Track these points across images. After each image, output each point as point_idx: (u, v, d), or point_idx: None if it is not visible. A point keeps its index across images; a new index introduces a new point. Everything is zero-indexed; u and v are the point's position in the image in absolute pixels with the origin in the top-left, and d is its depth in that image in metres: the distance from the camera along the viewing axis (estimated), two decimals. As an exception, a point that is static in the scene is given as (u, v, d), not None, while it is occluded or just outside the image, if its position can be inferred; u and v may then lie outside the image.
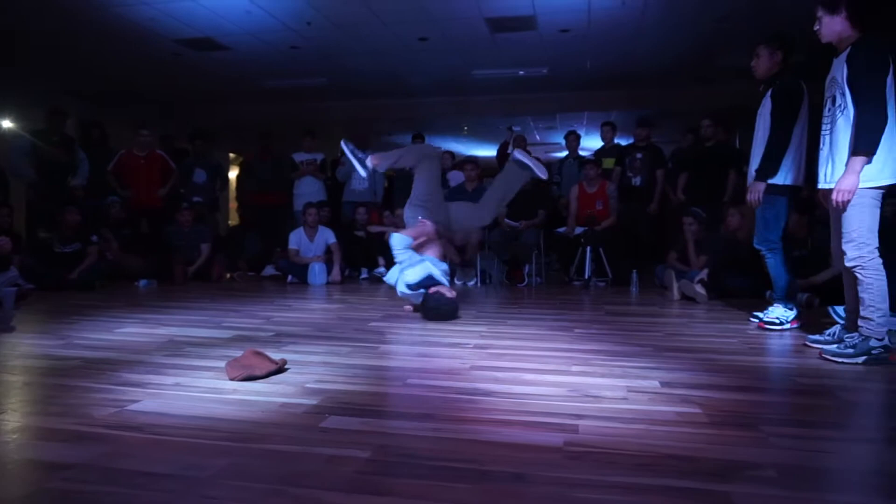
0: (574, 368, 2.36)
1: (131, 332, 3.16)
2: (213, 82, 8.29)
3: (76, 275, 5.26)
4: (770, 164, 3.28)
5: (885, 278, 2.62)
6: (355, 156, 4.09)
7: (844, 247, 2.65)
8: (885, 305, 2.61)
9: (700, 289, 4.57)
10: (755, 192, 3.34)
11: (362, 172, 4.15)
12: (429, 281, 3.70)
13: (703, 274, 4.74)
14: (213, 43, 6.67)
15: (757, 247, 3.44)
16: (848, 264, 2.65)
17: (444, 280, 3.83)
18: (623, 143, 7.24)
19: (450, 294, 3.70)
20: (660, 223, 6.61)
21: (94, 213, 6.12)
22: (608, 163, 6.73)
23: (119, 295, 4.87)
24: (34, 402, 1.94)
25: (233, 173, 10.48)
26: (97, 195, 6.34)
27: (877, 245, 2.61)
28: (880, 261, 2.61)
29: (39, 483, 1.29)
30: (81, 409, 1.79)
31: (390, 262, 6.22)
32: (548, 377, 2.21)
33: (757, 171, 3.34)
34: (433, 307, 3.58)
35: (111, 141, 7.21)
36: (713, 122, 5.95)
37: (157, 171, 6.65)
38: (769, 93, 3.35)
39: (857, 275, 2.63)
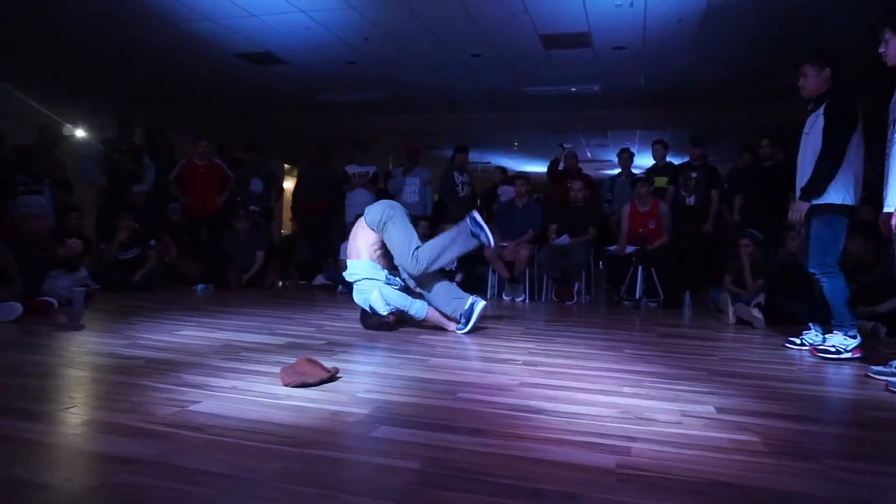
0: (626, 389, 2.32)
1: (190, 334, 3.27)
2: (271, 95, 8.56)
3: (138, 277, 5.48)
4: (818, 183, 3.18)
5: None
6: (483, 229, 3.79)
7: None
8: None
9: (757, 313, 4.43)
10: (797, 211, 3.25)
11: (491, 241, 3.86)
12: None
13: (760, 298, 4.60)
14: (272, 57, 6.90)
15: (812, 271, 3.28)
16: None
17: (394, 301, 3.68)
18: (675, 161, 7.12)
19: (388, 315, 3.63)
20: (714, 245, 6.46)
21: (157, 218, 6.37)
22: (660, 181, 6.62)
23: (177, 298, 5.05)
24: (101, 398, 2.03)
25: (287, 183, 10.75)
26: (160, 202, 6.61)
27: None
28: None
29: (106, 476, 1.35)
30: (145, 406, 1.86)
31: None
32: (599, 397, 2.18)
33: (803, 189, 3.23)
34: (368, 319, 3.65)
35: (175, 150, 7.51)
36: (772, 141, 5.80)
37: (215, 180, 6.89)
38: (821, 110, 3.25)
39: None
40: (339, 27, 5.99)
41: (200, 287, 5.79)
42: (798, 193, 3.33)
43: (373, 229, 3.73)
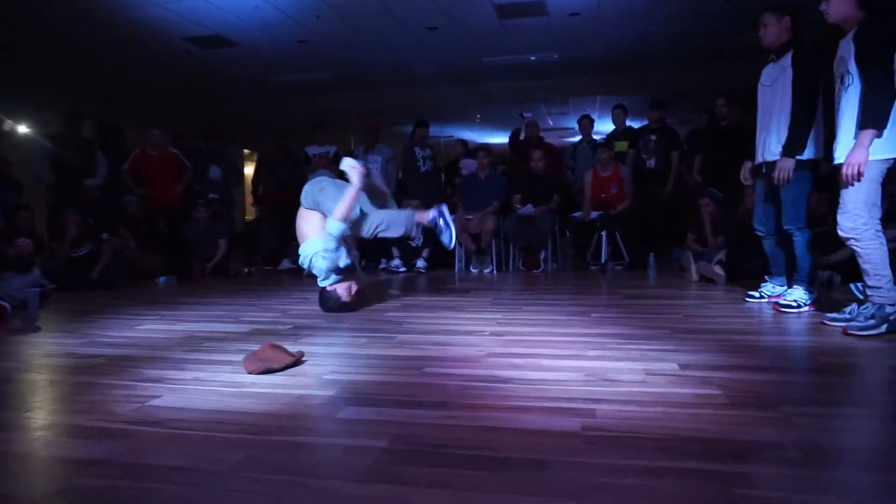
0: (591, 353, 2.35)
1: (151, 328, 3.20)
2: (224, 80, 8.33)
3: (95, 273, 5.33)
4: (799, 139, 3.13)
5: (884, 246, 2.64)
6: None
7: (839, 218, 2.69)
8: (888, 272, 2.63)
9: (718, 270, 4.52)
10: (784, 169, 3.15)
11: (452, 243, 3.86)
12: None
13: (721, 255, 4.69)
14: (221, 40, 6.70)
15: (787, 227, 3.27)
16: (842, 235, 2.68)
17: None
18: (637, 125, 7.16)
19: (344, 294, 3.56)
20: (676, 205, 6.55)
21: (112, 212, 6.19)
22: (621, 146, 6.66)
23: (139, 292, 4.93)
24: (59, 400, 1.98)
25: (247, 169, 10.53)
26: (115, 195, 6.42)
27: (873, 216, 2.63)
28: (877, 230, 2.63)
29: (67, 479, 1.31)
30: (105, 405, 1.82)
31: (405, 254, 6.28)
32: (565, 362, 2.20)
33: (784, 147, 3.17)
34: (326, 302, 3.58)
35: (127, 141, 7.28)
36: (728, 101, 5.86)
37: (171, 170, 6.69)
38: (786, 62, 3.20)
39: (854, 247, 2.67)
40: (288, 6, 5.83)
41: (162, 279, 5.67)
42: (769, 149, 3.29)
43: (311, 209, 3.68)
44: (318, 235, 3.60)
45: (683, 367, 2.10)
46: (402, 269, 6.22)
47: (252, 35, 6.58)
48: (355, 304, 3.65)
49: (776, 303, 3.35)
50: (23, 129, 7.49)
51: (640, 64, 8.09)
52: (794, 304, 3.26)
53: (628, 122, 7.05)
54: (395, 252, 6.31)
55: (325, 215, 3.62)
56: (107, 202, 6.26)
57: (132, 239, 6.12)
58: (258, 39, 6.72)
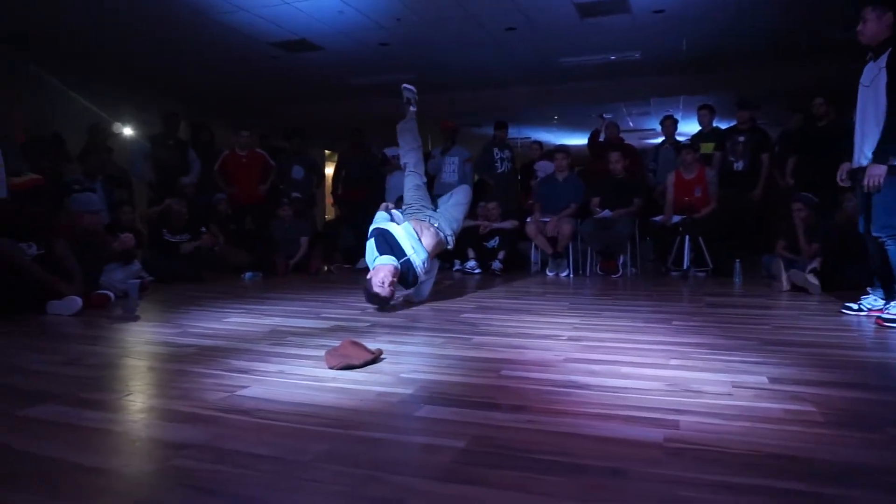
0: (673, 362, 2.27)
1: (238, 321, 3.35)
2: (307, 82, 8.62)
3: (191, 248, 5.69)
4: (892, 143, 2.96)
5: None
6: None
7: None
8: None
9: (813, 279, 4.27)
10: (875, 176, 2.99)
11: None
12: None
13: (816, 263, 4.42)
14: (306, 44, 6.94)
15: (876, 234, 3.11)
16: None
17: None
18: (723, 126, 6.86)
19: (377, 287, 3.48)
20: (766, 210, 6.23)
21: (204, 209, 6.54)
22: (707, 147, 6.41)
23: (226, 286, 5.18)
24: (156, 386, 2.11)
25: (328, 170, 10.85)
26: (206, 193, 6.78)
27: None
28: None
29: (163, 460, 1.40)
30: (197, 392, 1.92)
31: (480, 255, 6.29)
32: (645, 371, 2.14)
33: (875, 152, 3.00)
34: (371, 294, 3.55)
35: (217, 142, 7.67)
36: (825, 100, 5.52)
37: (257, 169, 7.00)
38: (882, 61, 3.00)
39: None
40: (370, 9, 5.96)
41: (248, 275, 5.93)
42: (861, 151, 3.13)
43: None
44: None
45: (773, 380, 2.00)
46: (478, 270, 6.23)
47: (335, 39, 6.78)
48: (390, 299, 3.58)
49: (879, 317, 3.12)
50: (127, 130, 8.03)
51: (727, 61, 7.76)
52: (899, 318, 3.02)
53: (715, 123, 6.77)
54: (471, 253, 6.33)
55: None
56: (200, 200, 6.63)
57: (221, 235, 6.44)
58: (341, 43, 6.92)
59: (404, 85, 4.56)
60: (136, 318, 3.55)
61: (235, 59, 7.39)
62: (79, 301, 3.72)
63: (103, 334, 3.12)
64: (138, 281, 4.55)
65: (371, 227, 3.85)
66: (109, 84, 7.85)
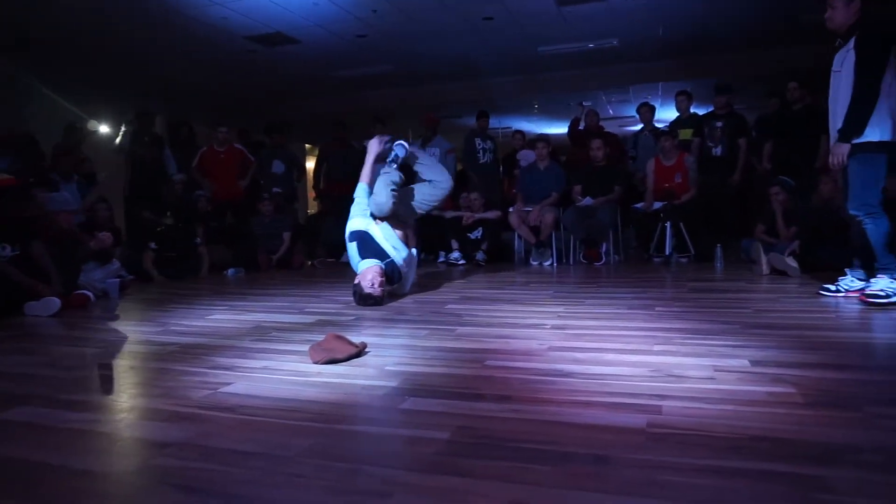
0: (656, 348, 2.29)
1: (221, 318, 3.32)
2: (285, 76, 8.53)
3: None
4: (855, 123, 3.03)
5: None
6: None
7: None
8: None
9: (791, 261, 4.33)
10: (838, 154, 3.11)
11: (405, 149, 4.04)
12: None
13: (795, 246, 4.48)
14: (282, 37, 6.86)
15: (853, 212, 3.16)
16: None
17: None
18: (702, 112, 6.92)
19: (366, 286, 3.56)
20: (744, 195, 6.30)
21: (187, 206, 6.48)
22: (685, 134, 6.45)
23: (209, 284, 5.13)
24: (139, 385, 2.08)
25: (309, 163, 10.78)
26: (187, 190, 6.71)
27: None
28: None
29: (146, 459, 1.39)
30: (180, 391, 1.90)
31: (464, 247, 6.29)
32: (629, 357, 2.16)
33: (840, 130, 3.09)
34: (355, 296, 3.62)
35: (199, 139, 7.58)
36: (800, 84, 5.58)
37: (236, 165, 6.93)
38: (851, 44, 3.09)
39: None
40: (345, 1, 5.91)
41: (231, 271, 5.88)
42: (834, 135, 3.20)
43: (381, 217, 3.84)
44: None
45: (754, 363, 2.03)
46: (462, 261, 6.23)
47: (312, 31, 6.71)
48: (382, 298, 3.61)
49: (862, 294, 3.16)
50: (102, 128, 7.90)
51: (703, 47, 7.80)
52: (882, 293, 3.04)
53: (693, 109, 6.82)
54: (454, 244, 6.33)
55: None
56: (184, 197, 6.56)
57: (202, 232, 6.37)
58: (318, 35, 6.85)
59: (399, 142, 4.08)
60: (116, 318, 3.50)
61: (212, 54, 7.29)
62: (57, 302, 3.66)
63: (83, 335, 3.08)
64: (118, 280, 4.50)
65: (349, 227, 3.81)
66: (83, 82, 7.70)
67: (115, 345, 2.79)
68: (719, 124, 6.24)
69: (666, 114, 9.55)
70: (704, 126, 6.38)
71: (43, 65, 7.15)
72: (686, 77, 8.65)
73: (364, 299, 3.56)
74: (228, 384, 1.95)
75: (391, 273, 3.73)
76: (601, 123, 7.61)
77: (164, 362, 2.31)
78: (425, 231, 6.49)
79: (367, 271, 3.60)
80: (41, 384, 2.06)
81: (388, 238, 3.79)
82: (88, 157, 6.49)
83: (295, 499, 1.16)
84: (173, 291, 4.59)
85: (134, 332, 3.05)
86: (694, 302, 3.40)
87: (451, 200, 6.88)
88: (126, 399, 1.90)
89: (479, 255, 6.15)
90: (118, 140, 6.77)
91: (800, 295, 3.60)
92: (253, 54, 7.37)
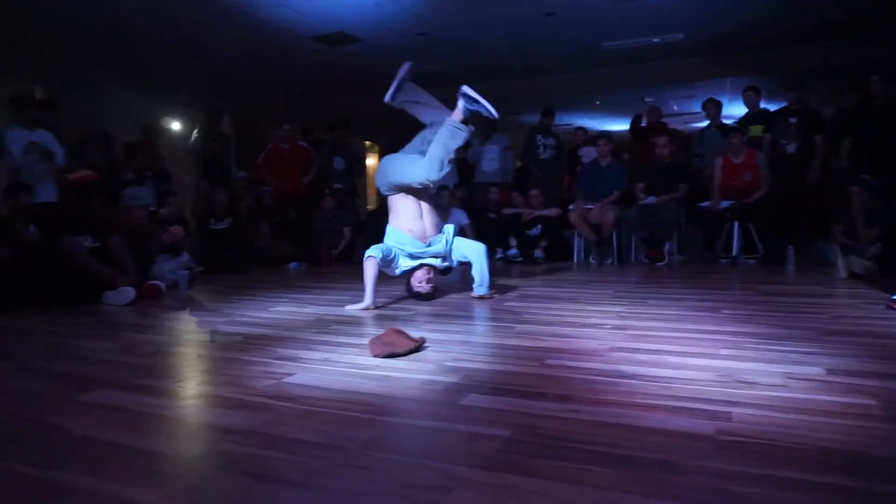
0: (723, 352, 2.21)
1: (284, 310, 3.41)
2: (346, 74, 8.66)
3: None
4: None
5: None
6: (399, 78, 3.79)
7: None
8: None
9: (872, 266, 4.09)
10: None
11: (494, 112, 3.70)
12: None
13: (876, 249, 4.23)
14: (345, 36, 6.96)
15: None
16: None
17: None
18: (772, 108, 6.61)
19: (418, 287, 3.60)
20: (820, 194, 5.99)
21: (253, 202, 6.71)
22: (755, 130, 6.19)
23: (272, 277, 5.28)
24: (206, 373, 2.16)
25: (370, 160, 10.93)
26: (254, 186, 6.94)
27: None
28: None
29: (213, 444, 1.44)
30: (245, 379, 1.96)
31: (522, 244, 6.25)
32: (694, 360, 2.09)
33: None
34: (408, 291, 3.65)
35: (264, 136, 7.83)
36: (882, 77, 5.26)
37: (300, 162, 7.10)
38: None
39: None
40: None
41: (293, 265, 6.03)
42: None
43: (391, 193, 3.65)
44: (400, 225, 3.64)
45: (830, 372, 1.92)
46: (519, 258, 6.19)
47: (373, 30, 6.78)
48: (433, 293, 3.68)
49: None
50: (175, 125, 8.25)
51: (776, 40, 7.45)
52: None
53: (763, 105, 6.53)
54: (513, 241, 6.29)
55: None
56: (251, 193, 6.80)
57: (267, 227, 6.57)
58: (379, 34, 6.92)
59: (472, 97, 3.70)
60: (185, 308, 3.65)
61: (278, 54, 7.48)
62: (132, 291, 3.85)
63: (155, 323, 3.23)
64: (187, 272, 4.69)
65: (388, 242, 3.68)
66: (157, 82, 8.05)
67: (184, 333, 2.91)
68: (793, 120, 5.96)
69: (733, 110, 9.19)
70: (777, 122, 6.10)
71: (120, 67, 7.51)
72: (756, 72, 8.29)
73: (415, 296, 3.63)
74: (291, 374, 2.00)
75: (439, 268, 3.74)
76: (664, 119, 7.39)
77: (231, 352, 2.39)
78: (482, 228, 6.48)
79: (416, 273, 3.63)
80: (118, 369, 2.17)
81: (429, 254, 3.67)
82: (162, 154, 6.77)
83: (358, 490, 1.18)
84: (238, 284, 4.75)
85: (202, 321, 3.16)
86: (764, 305, 3.26)
87: (508, 197, 6.85)
88: (194, 386, 1.97)
89: (538, 253, 6.09)
90: (191, 141, 7.05)
91: (880, 301, 3.39)
92: (316, 53, 7.52)
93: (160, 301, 3.98)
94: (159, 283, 4.25)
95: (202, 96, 8.20)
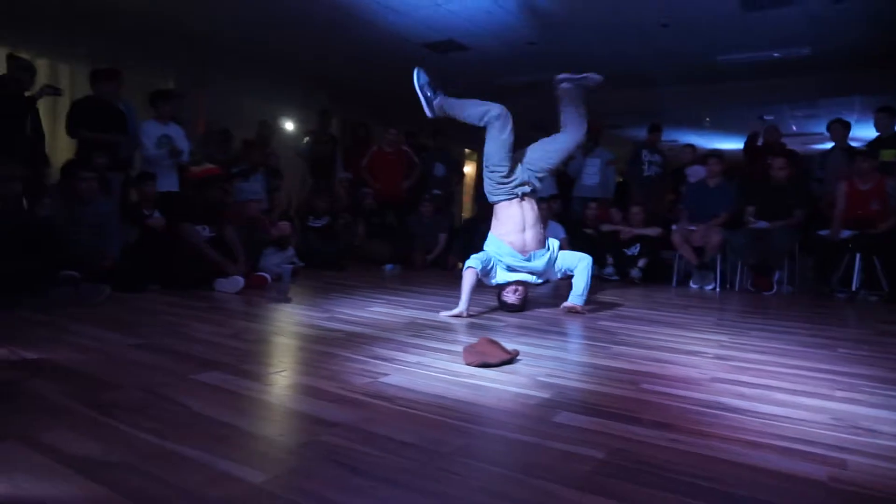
0: (838, 394, 2.05)
1: (379, 311, 3.52)
2: (452, 81, 8.78)
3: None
4: None
5: None
6: (423, 92, 3.89)
7: None
8: None
9: None
10: None
11: (596, 76, 3.85)
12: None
13: None
14: (454, 44, 7.08)
15: None
16: None
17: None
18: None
19: (512, 297, 3.64)
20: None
21: (353, 203, 6.96)
22: (887, 155, 5.69)
23: (368, 277, 5.45)
24: (307, 365, 2.27)
25: (468, 168, 11.02)
26: (356, 187, 7.21)
27: None
28: None
29: (314, 435, 1.50)
30: (343, 375, 2.04)
31: (619, 262, 6.09)
32: (804, 400, 1.96)
33: None
34: (500, 303, 3.69)
35: (372, 139, 8.11)
36: None
37: (402, 166, 7.29)
38: None
39: None
40: (518, 7, 5.97)
41: (388, 267, 6.19)
42: None
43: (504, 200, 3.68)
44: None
45: (966, 426, 1.74)
46: (615, 277, 6.04)
47: (483, 39, 6.85)
48: (523, 305, 3.70)
49: None
50: (288, 125, 8.71)
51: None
52: None
53: (897, 128, 6.01)
54: (609, 259, 6.14)
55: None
56: (352, 193, 7.07)
57: (363, 227, 6.80)
58: (488, 43, 6.98)
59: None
60: (288, 300, 3.84)
61: (388, 59, 7.72)
62: (241, 281, 4.10)
63: (262, 313, 3.42)
64: (291, 266, 4.93)
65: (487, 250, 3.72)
66: (274, 83, 8.53)
67: (288, 325, 3.07)
68: (933, 146, 5.44)
69: (862, 131, 8.52)
70: (914, 147, 5.60)
71: (240, 67, 8.01)
72: (890, 91, 7.64)
73: (506, 307, 3.65)
74: (387, 375, 2.06)
75: (532, 284, 3.78)
76: (782, 140, 6.97)
77: (331, 346, 2.49)
78: (579, 244, 6.37)
79: (509, 286, 3.66)
80: (227, 353, 2.32)
81: (527, 270, 3.68)
82: (276, 151, 7.16)
83: (449, 495, 1.20)
84: (336, 282, 4.93)
85: (303, 315, 3.32)
86: (886, 347, 3.00)
87: (607, 213, 6.69)
88: (297, 376, 2.07)
89: (635, 272, 5.92)
90: (303, 143, 7.40)
91: None
92: (423, 61, 7.69)
93: (265, 292, 4.21)
94: (265, 274, 4.49)
95: (316, 97, 8.60)
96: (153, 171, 4.99)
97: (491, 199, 3.72)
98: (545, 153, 3.72)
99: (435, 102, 3.87)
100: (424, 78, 3.92)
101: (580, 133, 3.85)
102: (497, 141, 3.61)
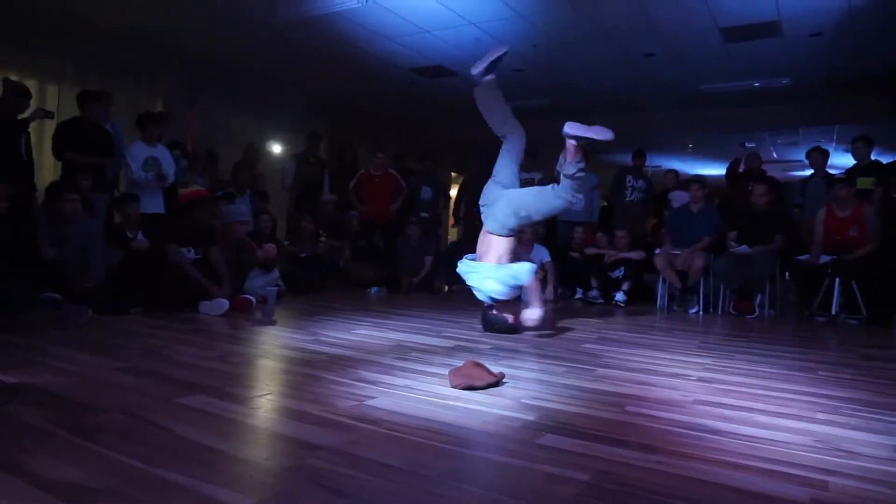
0: (820, 416, 2.08)
1: (365, 333, 3.51)
2: (440, 106, 8.89)
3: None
4: None
5: None
6: (489, 60, 3.93)
7: None
8: None
9: None
10: None
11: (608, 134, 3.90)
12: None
13: None
14: (443, 70, 7.18)
15: None
16: None
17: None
18: (886, 160, 6.22)
19: (511, 318, 3.69)
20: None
21: (338, 225, 6.95)
22: (864, 182, 5.82)
23: (353, 299, 5.43)
24: (292, 388, 2.26)
25: (453, 191, 11.08)
26: (342, 209, 7.21)
27: None
28: None
29: (299, 458, 1.50)
30: (329, 398, 2.03)
31: (604, 286, 6.13)
32: (786, 422, 1.98)
33: None
34: (492, 324, 3.71)
35: (359, 162, 8.14)
36: None
37: (389, 189, 7.31)
38: None
39: None
40: (507, 36, 6.07)
41: (374, 290, 6.18)
42: None
43: (507, 235, 3.80)
44: (496, 261, 3.74)
45: (944, 449, 1.77)
46: (600, 300, 6.07)
47: (471, 65, 6.94)
48: (520, 328, 3.73)
49: None
50: (276, 148, 8.73)
51: (888, 86, 7.03)
52: None
53: (874, 157, 6.16)
54: (594, 282, 6.18)
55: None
56: (337, 216, 7.06)
57: (348, 249, 6.79)
58: (476, 69, 7.08)
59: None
60: (273, 323, 3.82)
61: (378, 84, 7.81)
62: (226, 303, 4.07)
63: (247, 336, 3.40)
64: (276, 288, 4.91)
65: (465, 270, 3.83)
66: (263, 105, 8.57)
67: (273, 348, 3.05)
68: (909, 174, 5.58)
69: (841, 159, 8.72)
70: (890, 175, 5.73)
71: (229, 89, 8.05)
72: (869, 119, 7.85)
73: (507, 330, 3.69)
74: (372, 398, 2.06)
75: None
76: (763, 167, 7.12)
77: (315, 369, 2.48)
78: (563, 267, 6.41)
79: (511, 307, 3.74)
80: (212, 376, 2.30)
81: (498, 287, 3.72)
82: (263, 174, 7.16)
83: (435, 518, 1.20)
84: (320, 304, 4.91)
85: (289, 338, 3.30)
86: (866, 370, 3.04)
87: (593, 237, 6.75)
88: (282, 399, 2.06)
89: (619, 296, 5.95)
90: (288, 175, 7.36)
91: None
92: (412, 85, 7.80)
93: (251, 314, 4.18)
94: (251, 297, 4.47)
95: (305, 120, 8.64)
96: (138, 192, 4.98)
97: (506, 231, 3.86)
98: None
99: (486, 78, 4.00)
100: (500, 58, 4.00)
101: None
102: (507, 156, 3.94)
